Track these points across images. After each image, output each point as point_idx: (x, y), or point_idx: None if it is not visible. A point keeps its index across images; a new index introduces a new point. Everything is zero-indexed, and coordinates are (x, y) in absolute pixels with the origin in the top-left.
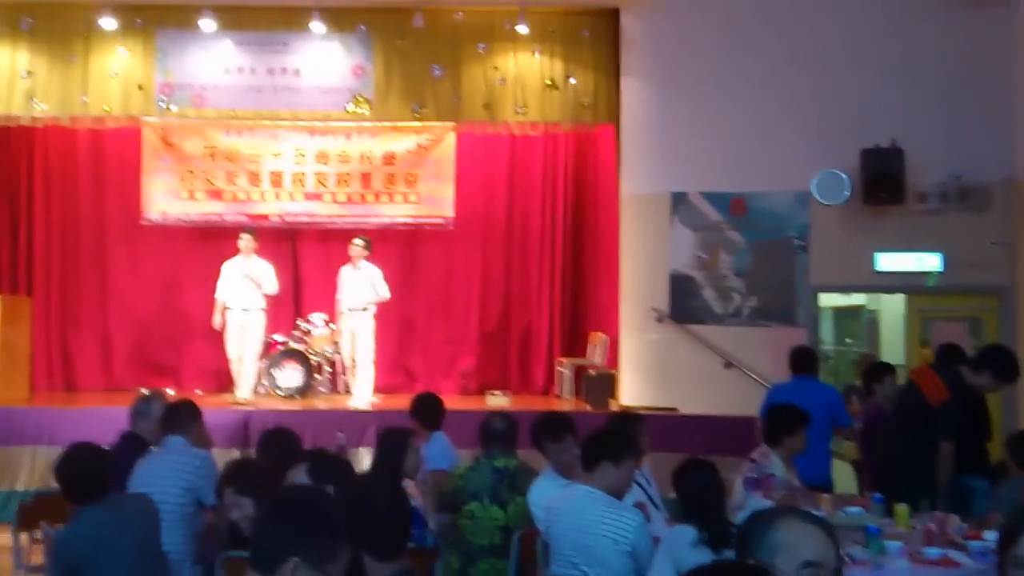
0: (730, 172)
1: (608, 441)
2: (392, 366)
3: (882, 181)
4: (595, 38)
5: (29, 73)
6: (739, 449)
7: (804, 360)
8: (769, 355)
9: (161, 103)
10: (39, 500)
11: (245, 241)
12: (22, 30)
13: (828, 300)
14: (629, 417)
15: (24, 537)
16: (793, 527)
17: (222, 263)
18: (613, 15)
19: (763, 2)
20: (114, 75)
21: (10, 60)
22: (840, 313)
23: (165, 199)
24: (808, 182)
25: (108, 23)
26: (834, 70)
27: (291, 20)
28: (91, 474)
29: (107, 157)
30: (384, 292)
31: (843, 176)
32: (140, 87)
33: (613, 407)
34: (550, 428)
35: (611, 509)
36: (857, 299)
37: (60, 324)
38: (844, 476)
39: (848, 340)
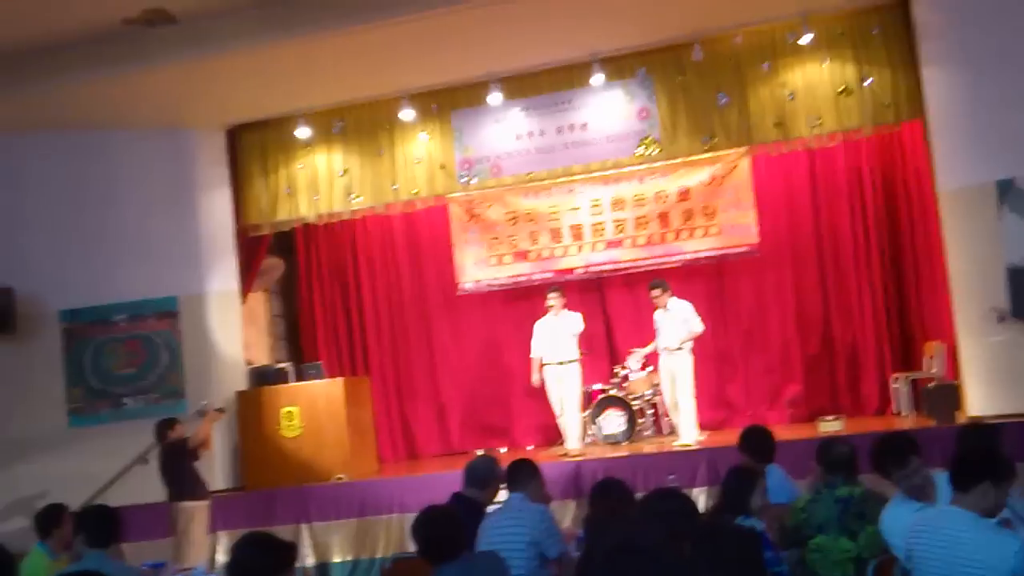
0: None
1: (988, 460)
2: (714, 401)
3: None
4: (886, 34)
5: (345, 171)
6: None
7: None
8: None
9: (463, 178)
10: (398, 565)
11: (554, 299)
12: (335, 134)
13: None
14: (986, 430)
15: None
16: None
17: (535, 320)
18: (902, 6)
19: None
20: (418, 160)
21: (327, 162)
22: None
23: (476, 267)
24: None
25: (407, 114)
26: None
27: (572, 77)
28: (446, 535)
29: (420, 236)
30: (696, 326)
31: None
32: (442, 167)
33: (960, 420)
34: (893, 451)
35: (988, 533)
36: None
37: (397, 397)
38: None
39: None
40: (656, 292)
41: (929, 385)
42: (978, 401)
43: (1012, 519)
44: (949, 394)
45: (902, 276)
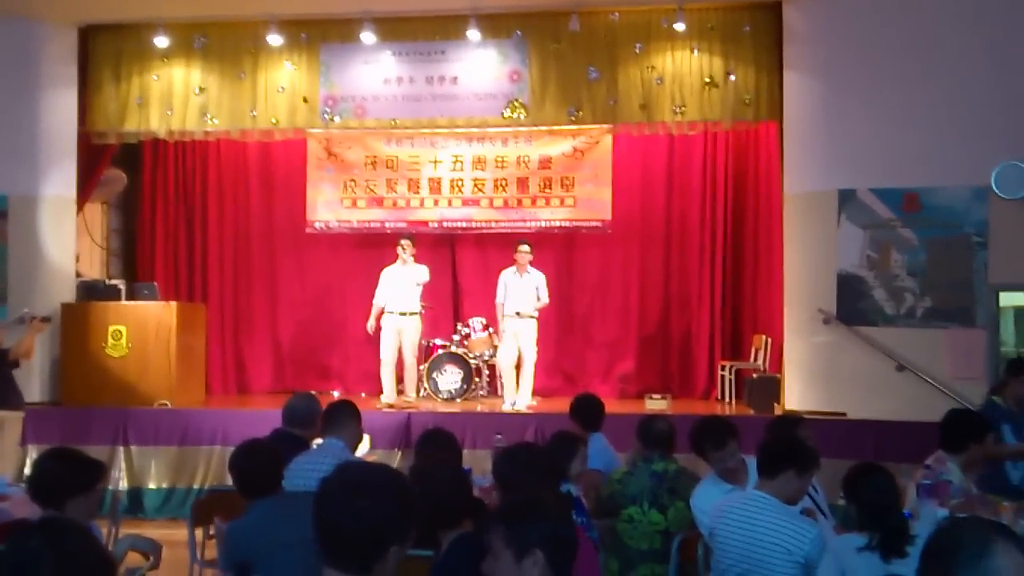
0: (902, 167)
1: (795, 449)
2: (551, 369)
3: None
4: (756, 33)
5: (202, 90)
6: (911, 455)
7: None
8: (946, 357)
9: (325, 115)
10: (213, 496)
11: (405, 246)
12: (195, 49)
13: (1010, 299)
14: (792, 420)
15: (199, 532)
16: (1012, 557)
17: (383, 268)
18: (775, 9)
19: None
20: (280, 89)
21: (184, 78)
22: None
23: (329, 207)
24: (987, 175)
25: (275, 40)
26: (1016, 55)
27: (448, 29)
28: (263, 469)
29: (274, 168)
30: (545, 297)
31: None
32: (305, 100)
33: (777, 411)
34: (712, 434)
35: (787, 518)
36: None
37: (233, 329)
38: None
39: None
40: (526, 248)
41: (753, 376)
42: (796, 396)
43: (814, 510)
44: (770, 386)
45: (740, 269)
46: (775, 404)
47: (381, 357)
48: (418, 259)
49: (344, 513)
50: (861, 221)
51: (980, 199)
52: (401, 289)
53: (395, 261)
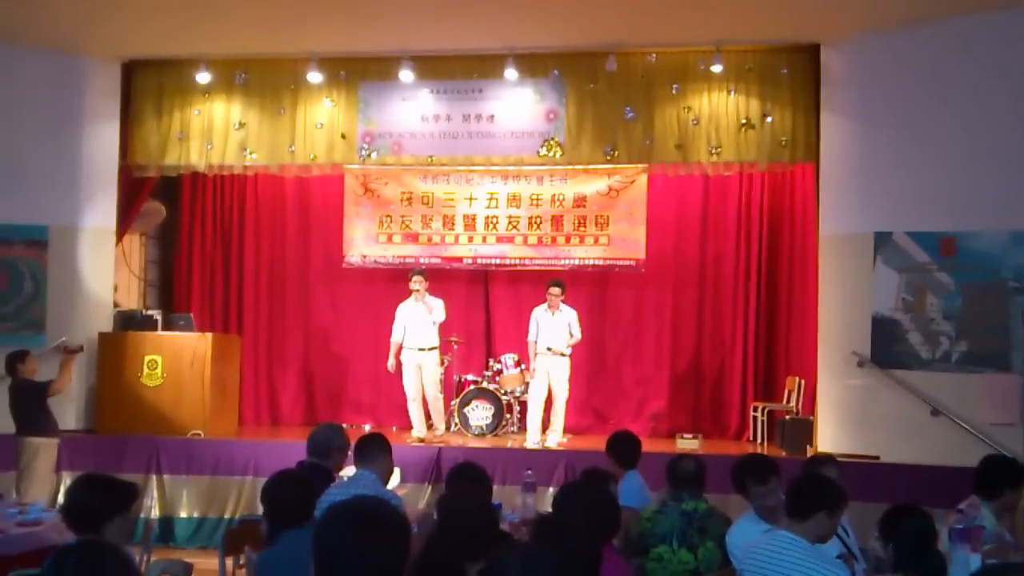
0: (939, 211)
1: (826, 490)
2: (582, 407)
3: None
4: (793, 75)
5: (242, 125)
6: (945, 501)
7: None
8: (982, 403)
9: (362, 151)
10: (244, 526)
11: (417, 283)
12: (236, 85)
13: None
14: (822, 460)
15: (229, 562)
16: None
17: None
18: (813, 51)
19: (971, 32)
20: (319, 126)
21: (225, 113)
22: None
23: (364, 242)
24: None
25: (315, 77)
26: None
27: (486, 68)
28: (294, 499)
29: (311, 203)
30: (578, 334)
31: None
32: (343, 136)
33: (810, 453)
34: (755, 470)
35: (817, 562)
36: None
37: (267, 361)
38: None
39: None
40: (556, 291)
41: (786, 417)
42: (829, 438)
43: (847, 555)
44: (803, 428)
45: (775, 310)
46: (808, 446)
47: (406, 393)
48: (454, 296)
49: (353, 551)
50: (897, 264)
51: (1018, 244)
52: (418, 325)
53: (409, 296)
